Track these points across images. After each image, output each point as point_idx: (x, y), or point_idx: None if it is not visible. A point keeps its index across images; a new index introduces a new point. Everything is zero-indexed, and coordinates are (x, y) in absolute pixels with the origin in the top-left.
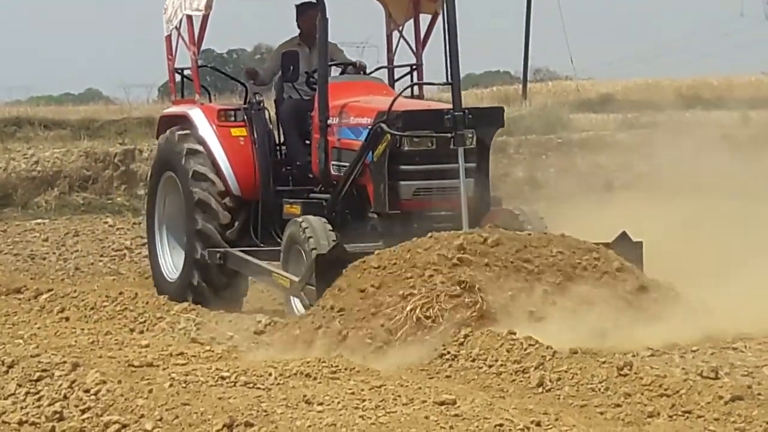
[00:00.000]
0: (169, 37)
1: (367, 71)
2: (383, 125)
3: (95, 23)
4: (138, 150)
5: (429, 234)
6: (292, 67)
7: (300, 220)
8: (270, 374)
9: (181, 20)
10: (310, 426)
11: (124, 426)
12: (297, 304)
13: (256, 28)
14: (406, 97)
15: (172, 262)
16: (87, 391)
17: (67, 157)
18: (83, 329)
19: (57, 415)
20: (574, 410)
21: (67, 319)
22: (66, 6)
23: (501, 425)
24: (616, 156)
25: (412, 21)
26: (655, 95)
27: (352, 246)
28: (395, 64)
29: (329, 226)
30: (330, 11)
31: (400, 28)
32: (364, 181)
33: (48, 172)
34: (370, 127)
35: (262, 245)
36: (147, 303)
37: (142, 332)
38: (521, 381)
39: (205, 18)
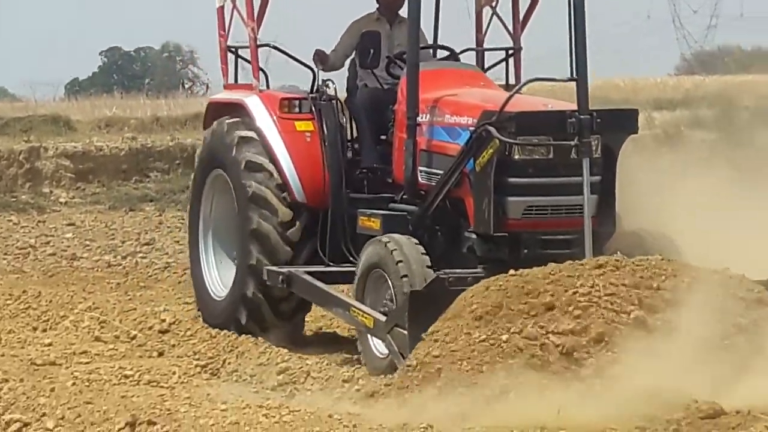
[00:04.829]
0: (221, 9)
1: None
2: (491, 128)
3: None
4: (43, 147)
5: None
6: (372, 51)
7: (385, 240)
8: (174, 373)
9: None
10: (213, 425)
11: (26, 425)
12: (379, 346)
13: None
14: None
15: (219, 279)
16: None
17: None
18: None
19: None
20: None
21: None
22: None
23: (406, 424)
24: None
25: None
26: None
27: (447, 272)
28: (486, 46)
29: (422, 250)
30: None
31: (493, 3)
32: (461, 194)
33: None
34: (472, 128)
35: (331, 264)
36: (50, 301)
37: (45, 331)
38: None
39: None
